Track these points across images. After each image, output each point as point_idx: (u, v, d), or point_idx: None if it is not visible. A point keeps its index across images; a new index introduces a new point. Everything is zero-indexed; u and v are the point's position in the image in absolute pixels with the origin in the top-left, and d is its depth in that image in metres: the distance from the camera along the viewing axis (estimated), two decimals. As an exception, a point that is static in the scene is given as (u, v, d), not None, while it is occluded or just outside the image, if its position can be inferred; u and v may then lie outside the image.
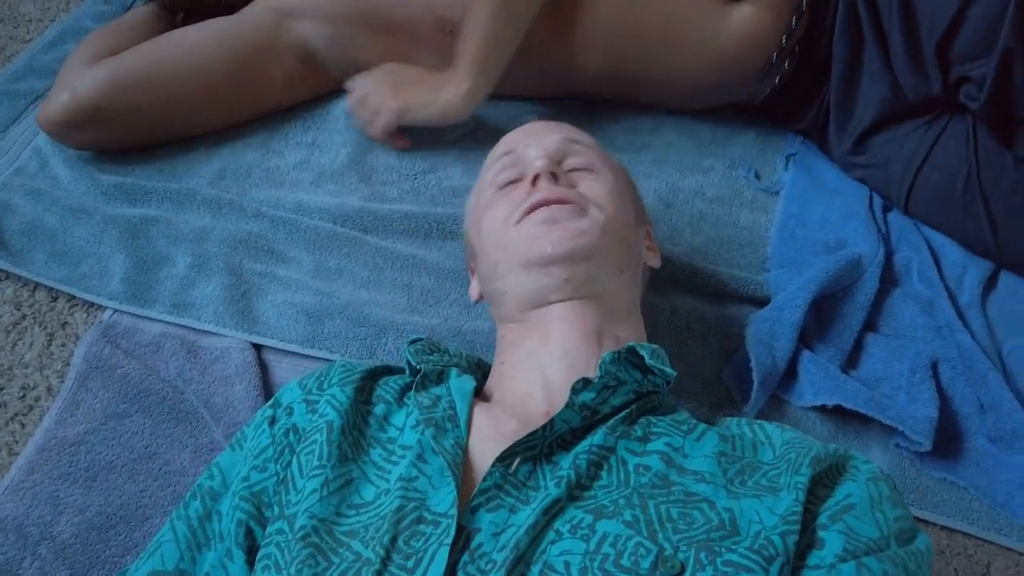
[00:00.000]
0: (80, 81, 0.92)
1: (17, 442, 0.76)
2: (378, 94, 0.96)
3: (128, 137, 0.97)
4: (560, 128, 0.73)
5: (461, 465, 0.52)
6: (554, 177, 0.66)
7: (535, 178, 0.66)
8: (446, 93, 0.93)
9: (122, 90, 0.92)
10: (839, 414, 0.76)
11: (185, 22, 1.02)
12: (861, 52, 0.87)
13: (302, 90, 1.03)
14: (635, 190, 0.76)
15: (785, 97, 0.98)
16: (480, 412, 0.57)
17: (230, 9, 1.02)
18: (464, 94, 0.92)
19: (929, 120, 0.87)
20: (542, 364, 0.60)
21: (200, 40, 0.97)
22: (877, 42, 0.85)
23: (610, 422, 0.54)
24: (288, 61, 1.00)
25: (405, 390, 0.61)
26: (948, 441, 0.73)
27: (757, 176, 1.00)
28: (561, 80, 1.02)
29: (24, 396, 0.79)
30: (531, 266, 0.62)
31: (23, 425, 0.77)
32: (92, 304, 0.86)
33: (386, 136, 0.97)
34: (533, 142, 0.71)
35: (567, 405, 0.53)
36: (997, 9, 0.73)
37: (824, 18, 0.89)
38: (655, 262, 0.73)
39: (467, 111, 0.94)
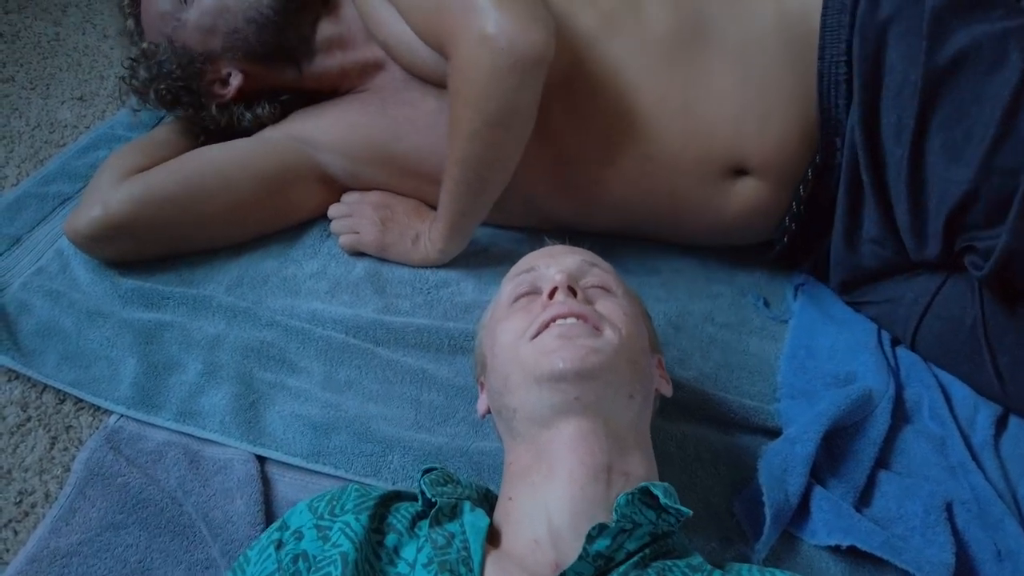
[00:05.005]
0: (112, 196, 0.93)
1: (8, 551, 0.74)
2: (366, 223, 1.02)
3: (152, 250, 0.99)
4: (580, 251, 0.76)
5: None
6: (572, 292, 0.67)
7: (553, 291, 0.67)
8: (423, 249, 1.01)
9: (153, 206, 0.94)
10: (853, 554, 0.73)
11: (208, 140, 1.05)
12: (861, 216, 0.87)
13: (323, 207, 1.06)
14: (649, 319, 0.77)
15: (791, 249, 0.99)
16: (491, 563, 0.54)
17: (250, 131, 1.06)
18: (440, 249, 1.00)
19: (932, 267, 0.87)
20: (548, 507, 0.57)
21: (227, 160, 1.00)
22: (879, 208, 0.84)
23: (622, 568, 0.52)
24: (309, 182, 1.04)
25: (417, 519, 0.59)
26: (966, 589, 0.71)
27: (766, 304, 1.01)
28: (570, 227, 1.06)
29: (20, 502, 0.78)
30: (542, 381, 0.61)
31: (16, 532, 0.75)
32: (99, 408, 0.85)
33: (352, 252, 1.04)
34: (553, 262, 0.72)
35: (580, 556, 0.51)
36: (1010, 186, 0.73)
37: (830, 182, 0.89)
38: (667, 390, 0.73)
39: (443, 262, 1.01)
